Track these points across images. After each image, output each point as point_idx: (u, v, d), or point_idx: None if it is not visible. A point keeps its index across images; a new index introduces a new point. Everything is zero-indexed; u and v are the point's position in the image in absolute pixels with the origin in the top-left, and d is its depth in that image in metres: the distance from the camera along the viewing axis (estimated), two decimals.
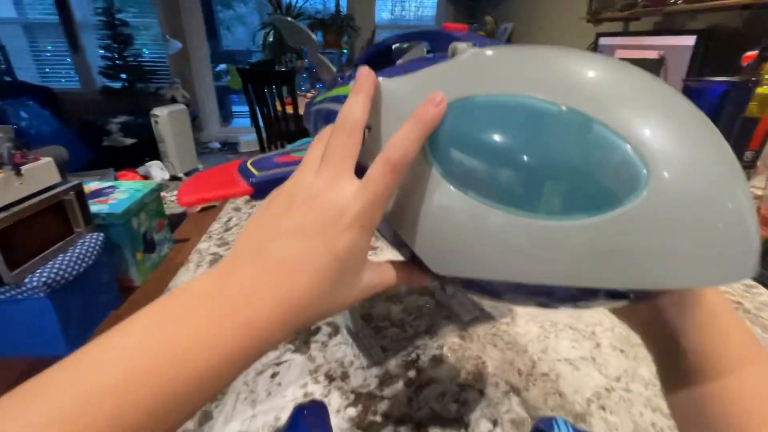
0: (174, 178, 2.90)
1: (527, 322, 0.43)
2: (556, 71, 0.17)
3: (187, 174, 2.98)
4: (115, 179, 2.37)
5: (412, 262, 0.22)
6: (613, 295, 0.17)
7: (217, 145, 3.72)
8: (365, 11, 3.30)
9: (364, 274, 0.20)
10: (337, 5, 3.25)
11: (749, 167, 0.67)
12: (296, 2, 3.20)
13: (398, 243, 0.23)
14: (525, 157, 0.16)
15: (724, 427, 0.19)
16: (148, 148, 2.90)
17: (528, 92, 0.17)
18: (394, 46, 0.33)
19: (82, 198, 1.39)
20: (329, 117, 0.31)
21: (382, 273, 0.21)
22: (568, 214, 0.16)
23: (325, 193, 0.19)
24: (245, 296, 0.17)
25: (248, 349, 0.17)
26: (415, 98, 0.19)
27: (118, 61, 3.09)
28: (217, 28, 3.92)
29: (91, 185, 1.73)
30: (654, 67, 1.33)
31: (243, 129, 3.79)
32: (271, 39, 3.25)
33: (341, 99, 0.26)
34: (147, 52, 3.41)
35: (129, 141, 3.04)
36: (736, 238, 0.15)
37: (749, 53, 0.83)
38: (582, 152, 0.16)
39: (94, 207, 1.49)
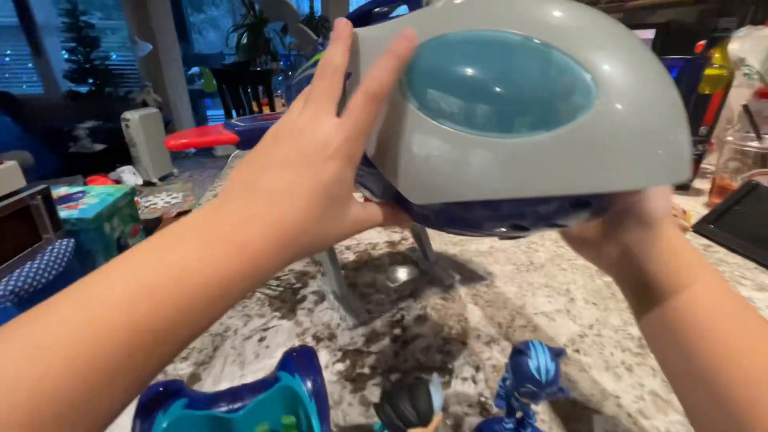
0: (147, 183, 2.82)
1: (505, 284, 0.45)
2: (520, 10, 0.19)
3: (161, 179, 2.90)
4: (85, 185, 2.29)
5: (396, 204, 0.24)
6: (575, 204, 0.19)
7: (191, 150, 3.65)
8: (340, 12, 3.32)
9: (351, 208, 0.21)
10: (311, 7, 3.26)
11: (704, 141, 0.72)
12: None
13: (382, 192, 0.24)
14: (492, 84, 0.18)
15: (686, 334, 0.21)
16: (119, 154, 2.81)
17: (494, 27, 0.19)
18: (374, 11, 0.34)
19: (49, 203, 1.34)
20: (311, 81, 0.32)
21: (370, 211, 0.23)
22: (532, 130, 0.17)
23: (309, 127, 0.20)
24: (238, 222, 0.18)
25: (244, 272, 0.17)
26: (391, 40, 0.21)
27: (84, 65, 2.99)
28: (188, 31, 3.85)
29: (59, 190, 1.66)
30: None
31: None
32: (245, 41, 3.21)
33: None
34: (115, 56, 3.31)
35: (98, 147, 2.94)
36: (672, 148, 0.17)
37: (702, 42, 0.89)
38: (542, 75, 0.18)
39: (64, 212, 1.44)
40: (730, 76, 0.68)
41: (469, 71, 0.19)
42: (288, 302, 0.42)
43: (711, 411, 0.19)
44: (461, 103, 0.19)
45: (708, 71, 0.67)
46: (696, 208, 0.66)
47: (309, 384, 0.24)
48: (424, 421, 0.20)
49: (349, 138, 0.20)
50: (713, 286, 0.22)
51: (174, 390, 0.23)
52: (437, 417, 0.20)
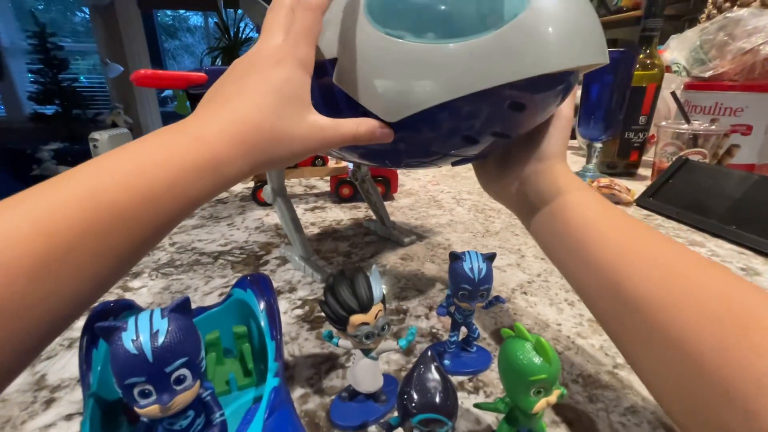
0: None
1: (462, 247, 0.48)
2: None
3: None
4: None
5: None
6: (513, 106, 0.22)
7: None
8: None
9: (310, 112, 0.22)
10: None
11: (644, 130, 0.79)
12: (243, 28, 3.26)
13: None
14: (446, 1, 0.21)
15: (567, 229, 0.24)
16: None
17: None
18: None
19: None
20: None
21: (339, 124, 0.23)
22: (482, 32, 0.21)
23: (259, 46, 0.22)
24: (196, 120, 0.19)
25: (203, 164, 0.18)
26: None
27: (51, 86, 2.93)
28: (162, 56, 3.86)
29: None
30: None
31: None
32: (219, 63, 3.25)
33: None
34: (84, 78, 3.27)
35: (63, 168, 2.85)
36: (590, 36, 0.21)
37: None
38: None
39: None
40: (661, 70, 0.75)
41: None
42: (251, 265, 0.42)
43: (594, 284, 0.21)
44: (420, 18, 0.22)
45: (641, 69, 0.75)
46: (640, 188, 0.71)
47: (261, 300, 0.25)
48: (365, 308, 0.21)
49: (295, 43, 0.22)
50: (586, 194, 0.25)
51: (125, 305, 0.23)
52: (377, 306, 0.22)
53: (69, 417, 0.24)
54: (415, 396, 0.17)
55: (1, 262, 0.13)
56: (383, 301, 0.22)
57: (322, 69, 0.24)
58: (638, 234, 0.21)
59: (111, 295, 0.37)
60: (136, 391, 0.15)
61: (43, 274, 0.14)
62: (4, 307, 0.13)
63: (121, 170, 0.16)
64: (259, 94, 0.21)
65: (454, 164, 0.30)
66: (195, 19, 3.92)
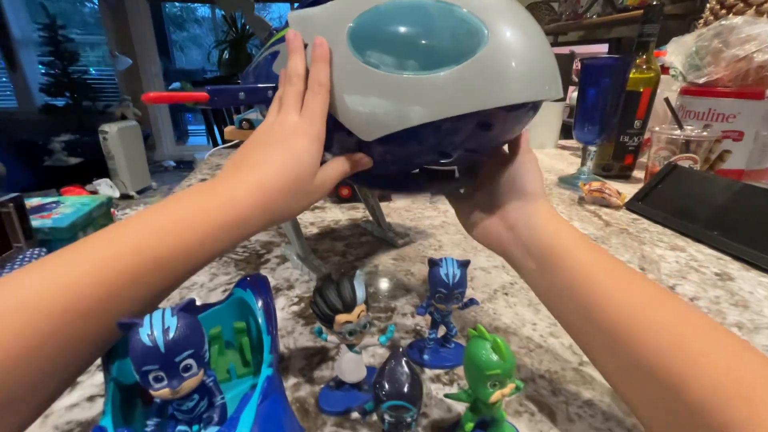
0: (125, 196, 2.79)
1: (452, 248, 0.50)
2: None
3: (139, 192, 2.88)
4: (59, 195, 2.26)
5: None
6: (481, 125, 0.25)
7: (171, 163, 3.63)
8: None
9: (318, 174, 0.27)
10: None
11: (639, 134, 0.81)
12: None
13: (341, 143, 0.29)
14: (415, 35, 0.24)
15: (571, 288, 0.24)
16: (96, 168, 2.78)
17: None
18: None
19: (22, 211, 1.33)
20: (274, 56, 0.37)
21: (333, 167, 0.28)
22: (445, 66, 0.23)
23: (281, 120, 0.27)
24: (226, 182, 0.24)
25: (232, 222, 0.22)
26: (333, 20, 0.27)
27: (62, 78, 2.98)
28: (170, 47, 3.89)
29: (32, 201, 1.64)
30: None
31: (199, 147, 3.73)
32: (227, 56, 3.27)
33: (282, 39, 0.32)
34: (94, 70, 3.32)
35: (74, 160, 2.91)
36: (544, 74, 0.24)
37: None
38: (448, 24, 0.24)
39: (36, 222, 1.42)
40: (657, 75, 0.77)
41: (398, 28, 0.25)
42: (252, 263, 0.45)
43: (600, 343, 0.23)
44: (393, 52, 0.25)
45: (637, 72, 0.76)
46: (633, 192, 0.73)
47: (259, 299, 0.28)
48: (348, 309, 0.24)
49: (311, 121, 0.26)
50: (583, 244, 0.26)
51: None
52: (360, 306, 0.25)
53: (91, 398, 0.27)
54: (386, 386, 0.20)
55: (65, 303, 0.17)
56: (366, 302, 0.25)
57: None
58: (645, 294, 0.22)
59: None
60: (151, 377, 0.18)
61: (99, 314, 0.18)
62: (73, 335, 0.18)
63: (163, 230, 0.20)
64: (284, 162, 0.25)
65: (433, 195, 0.33)
66: (202, 10, 3.93)
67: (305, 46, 0.28)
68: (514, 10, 0.25)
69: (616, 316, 0.22)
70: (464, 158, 0.29)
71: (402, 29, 0.25)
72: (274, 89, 0.31)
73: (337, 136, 0.28)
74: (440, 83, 0.23)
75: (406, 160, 0.30)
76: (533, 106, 0.26)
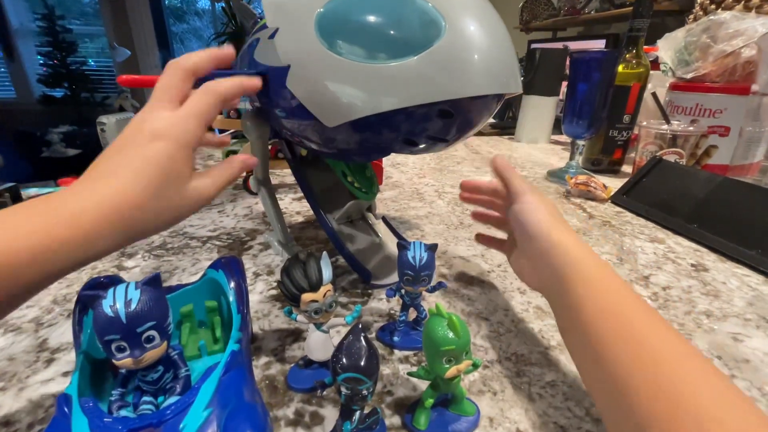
0: None
1: (434, 237, 0.51)
2: None
3: None
4: (56, 186, 2.26)
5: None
6: (441, 114, 0.26)
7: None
8: None
9: (191, 182, 0.23)
10: None
11: (628, 129, 0.81)
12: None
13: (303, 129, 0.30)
14: (379, 24, 0.25)
15: (580, 323, 0.23)
16: (93, 159, 2.78)
17: None
18: None
19: (18, 201, 1.34)
20: (256, 43, 0.37)
21: (214, 174, 0.25)
22: (405, 56, 0.24)
23: (141, 117, 0.23)
24: (73, 195, 0.20)
25: (75, 241, 0.19)
26: (304, 4, 0.27)
27: (60, 69, 2.97)
28: (169, 39, 3.87)
29: (29, 191, 1.65)
30: None
31: None
32: None
33: (264, 26, 0.32)
34: (92, 62, 3.30)
35: (72, 152, 2.91)
36: (501, 68, 0.25)
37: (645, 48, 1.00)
38: (405, 16, 0.25)
39: None
40: (646, 70, 0.77)
41: (363, 16, 0.26)
42: (235, 250, 0.46)
43: (602, 393, 0.21)
44: (356, 40, 0.25)
45: (627, 67, 0.76)
46: (620, 186, 0.74)
47: (231, 280, 0.28)
48: (314, 288, 0.25)
49: (176, 123, 0.23)
50: (599, 280, 0.24)
51: (114, 280, 0.27)
52: (326, 286, 0.25)
53: (66, 374, 0.28)
54: (343, 359, 0.21)
55: None
56: (332, 282, 0.26)
57: (280, 73, 0.28)
58: (646, 343, 0.20)
59: (106, 272, 0.41)
60: (113, 346, 0.19)
61: None
62: None
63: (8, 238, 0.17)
64: (138, 171, 0.21)
65: None
66: (202, 2, 3.91)
67: (276, 30, 0.29)
68: (474, 3, 0.25)
69: (616, 368, 0.20)
70: (431, 146, 0.30)
71: (366, 17, 0.25)
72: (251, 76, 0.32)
73: (300, 114, 0.28)
74: (399, 73, 0.24)
75: (371, 145, 0.30)
76: (491, 99, 0.27)
